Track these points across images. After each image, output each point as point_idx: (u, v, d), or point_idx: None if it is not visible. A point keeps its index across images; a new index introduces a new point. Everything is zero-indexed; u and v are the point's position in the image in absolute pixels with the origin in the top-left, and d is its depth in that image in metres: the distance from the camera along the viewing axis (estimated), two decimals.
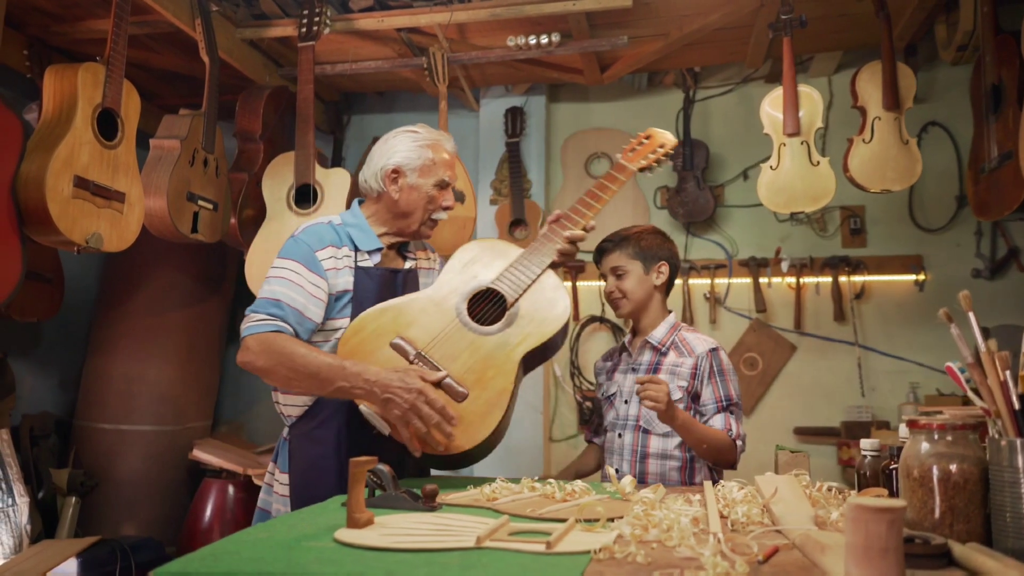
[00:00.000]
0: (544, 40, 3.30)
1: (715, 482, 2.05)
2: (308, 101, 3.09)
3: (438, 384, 1.80)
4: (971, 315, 1.21)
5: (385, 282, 2.01)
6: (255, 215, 3.36)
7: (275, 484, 2.00)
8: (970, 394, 1.23)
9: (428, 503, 1.54)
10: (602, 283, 2.34)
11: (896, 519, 0.93)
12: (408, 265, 2.12)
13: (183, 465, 3.79)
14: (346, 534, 1.25)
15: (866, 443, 1.61)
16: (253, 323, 1.83)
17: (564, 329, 1.90)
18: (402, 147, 2.03)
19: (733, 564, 1.06)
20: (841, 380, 3.90)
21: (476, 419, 1.77)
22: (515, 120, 4.14)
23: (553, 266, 1.95)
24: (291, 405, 1.97)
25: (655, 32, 3.46)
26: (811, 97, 2.93)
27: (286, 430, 2.00)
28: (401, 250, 2.15)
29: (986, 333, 3.59)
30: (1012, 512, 1.11)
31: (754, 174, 4.14)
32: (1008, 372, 1.13)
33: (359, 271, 1.98)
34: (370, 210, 2.08)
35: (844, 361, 3.91)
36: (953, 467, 1.21)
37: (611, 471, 1.71)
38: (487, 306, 1.93)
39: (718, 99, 4.25)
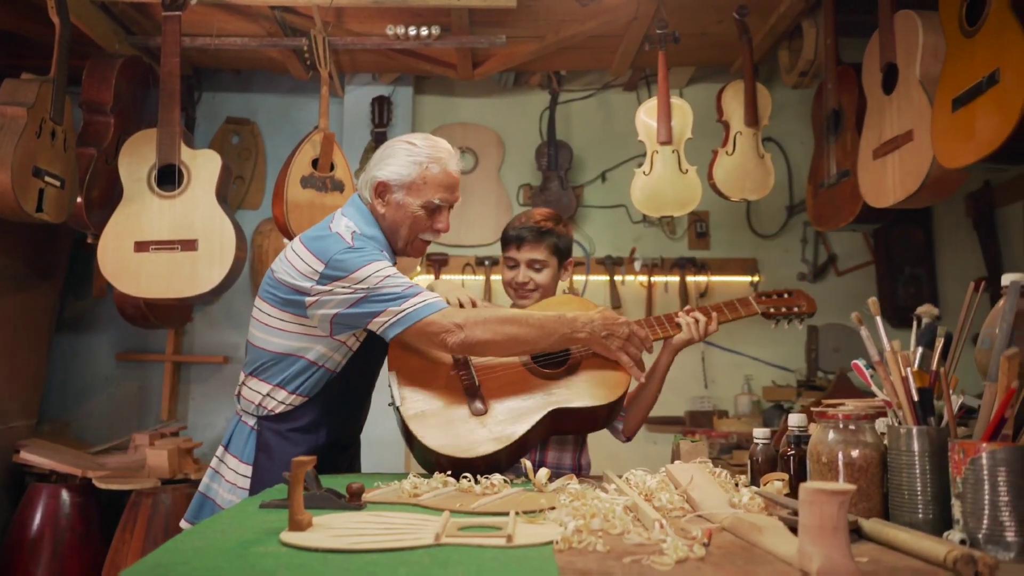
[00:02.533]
0: (424, 32, 3.29)
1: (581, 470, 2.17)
2: (173, 75, 2.88)
3: (470, 391, 1.83)
4: (878, 319, 1.37)
5: None
6: (103, 195, 3.08)
7: (226, 472, 1.90)
8: (873, 387, 1.40)
9: (354, 501, 1.51)
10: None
11: (845, 501, 1.04)
12: None
13: (3, 469, 3.40)
14: (294, 537, 1.21)
15: (758, 432, 1.76)
16: (418, 306, 1.73)
17: (602, 409, 1.88)
18: (394, 160, 1.89)
19: (691, 547, 1.13)
20: (686, 373, 4.21)
21: (483, 438, 1.79)
22: (382, 109, 4.09)
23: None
24: (272, 399, 1.88)
25: (532, 34, 3.55)
26: (682, 109, 3.14)
27: (251, 419, 1.91)
28: None
29: (815, 331, 3.97)
30: (908, 490, 1.27)
31: (612, 176, 4.36)
32: (909, 369, 1.30)
33: None
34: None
35: (689, 355, 4.21)
36: (856, 452, 1.36)
37: (527, 463, 1.75)
38: (552, 355, 1.93)
39: (579, 103, 4.43)
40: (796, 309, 2.12)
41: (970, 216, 4.18)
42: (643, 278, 4.24)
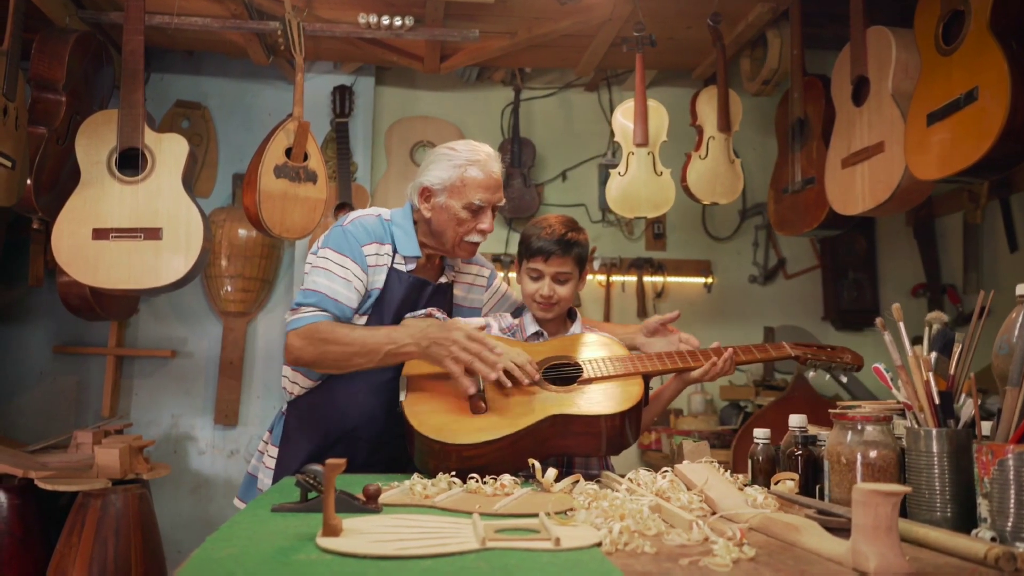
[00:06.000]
0: (398, 22, 3.22)
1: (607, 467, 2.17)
2: (137, 54, 2.73)
3: (474, 395, 1.84)
4: (901, 325, 1.42)
5: (413, 290, 2.01)
6: (51, 177, 2.90)
7: (265, 455, 2.11)
8: (893, 390, 1.44)
9: (370, 504, 1.47)
10: None
11: (898, 502, 1.07)
12: (443, 280, 2.12)
13: None
14: (333, 543, 1.16)
15: (759, 432, 1.81)
16: (293, 318, 1.89)
17: (602, 420, 1.85)
18: (436, 165, 1.99)
19: (741, 547, 1.15)
20: None
21: (474, 429, 1.81)
22: (344, 99, 3.99)
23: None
24: (295, 384, 2.04)
25: (504, 30, 3.53)
26: (658, 111, 3.18)
27: (285, 405, 2.10)
28: (443, 261, 2.15)
29: (770, 332, 4.06)
30: (928, 489, 1.32)
31: (572, 176, 4.38)
32: (930, 373, 1.35)
33: (392, 272, 1.98)
34: (417, 218, 2.07)
35: None
36: (874, 453, 1.41)
37: (536, 463, 1.73)
38: (563, 371, 1.96)
39: (540, 101, 4.42)
40: (839, 360, 2.11)
41: (910, 225, 4.39)
42: (601, 277, 4.28)
